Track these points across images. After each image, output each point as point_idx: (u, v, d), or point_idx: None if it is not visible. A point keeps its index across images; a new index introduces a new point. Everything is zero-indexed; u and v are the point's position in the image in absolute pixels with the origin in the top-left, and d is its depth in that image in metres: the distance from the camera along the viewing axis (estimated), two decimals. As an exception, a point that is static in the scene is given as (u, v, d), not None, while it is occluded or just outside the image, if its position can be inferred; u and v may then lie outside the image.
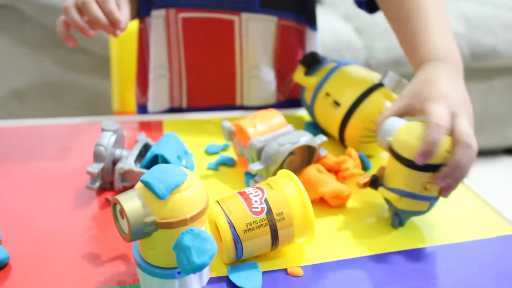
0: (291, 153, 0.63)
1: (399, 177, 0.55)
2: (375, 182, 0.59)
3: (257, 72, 0.88)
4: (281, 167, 0.63)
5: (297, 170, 0.65)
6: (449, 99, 0.54)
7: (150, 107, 0.92)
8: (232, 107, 0.91)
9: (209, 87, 0.89)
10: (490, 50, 1.93)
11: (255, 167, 0.61)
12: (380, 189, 0.57)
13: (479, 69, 1.98)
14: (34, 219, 0.57)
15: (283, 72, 0.91)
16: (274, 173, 0.61)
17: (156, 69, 0.89)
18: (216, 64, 0.87)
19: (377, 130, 0.58)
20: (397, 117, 0.57)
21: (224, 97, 0.90)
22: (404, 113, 0.57)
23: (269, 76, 0.89)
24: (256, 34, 0.85)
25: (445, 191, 0.54)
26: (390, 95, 0.70)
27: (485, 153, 2.18)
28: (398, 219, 0.58)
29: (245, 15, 0.84)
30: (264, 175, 0.62)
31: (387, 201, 0.58)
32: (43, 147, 0.73)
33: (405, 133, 0.54)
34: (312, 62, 0.79)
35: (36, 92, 1.75)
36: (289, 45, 0.90)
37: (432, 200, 0.55)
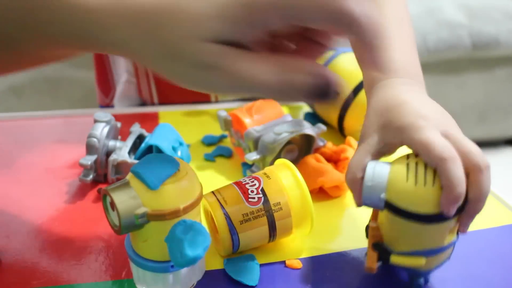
0: (289, 143, 0.62)
1: (418, 237, 0.41)
2: (384, 252, 0.43)
3: None
4: (278, 157, 0.61)
5: (295, 160, 0.63)
6: (431, 119, 0.42)
7: (118, 106, 0.88)
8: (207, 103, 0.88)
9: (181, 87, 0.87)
10: (491, 40, 1.91)
11: (252, 157, 0.59)
12: (394, 258, 0.43)
13: (481, 59, 1.96)
14: (26, 212, 0.55)
15: None
16: (272, 163, 0.60)
17: (122, 74, 0.86)
18: None
19: (353, 187, 0.43)
20: (374, 162, 0.43)
21: (197, 95, 0.87)
22: (378, 154, 0.44)
23: None
24: None
25: (464, 226, 0.42)
26: (391, 82, 0.68)
27: (486, 144, 2.16)
28: (423, 278, 0.46)
29: None
30: (261, 165, 0.60)
31: (401, 268, 0.45)
32: (36, 140, 0.71)
33: (404, 183, 0.40)
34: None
35: (33, 87, 1.73)
36: None
37: (455, 242, 0.44)
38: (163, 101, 0.87)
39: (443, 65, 1.93)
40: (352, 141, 0.65)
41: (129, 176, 0.42)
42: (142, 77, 0.85)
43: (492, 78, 2.02)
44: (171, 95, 0.86)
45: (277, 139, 0.59)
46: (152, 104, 0.87)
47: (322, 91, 0.33)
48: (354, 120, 0.69)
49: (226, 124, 0.65)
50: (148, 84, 0.85)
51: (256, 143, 0.61)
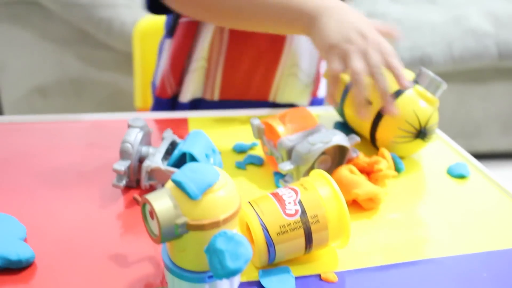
0: (323, 153, 0.61)
1: None
2: None
3: (297, 70, 0.88)
4: (312, 167, 0.61)
5: (329, 170, 0.62)
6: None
7: (182, 97, 0.90)
8: (263, 103, 0.90)
9: (244, 80, 0.89)
10: (518, 50, 1.88)
11: (286, 166, 0.59)
12: None
13: (507, 68, 1.93)
14: (60, 217, 0.56)
15: None
16: (305, 173, 0.59)
17: (198, 60, 0.87)
18: (259, 57, 0.87)
19: None
20: None
21: (257, 93, 0.90)
22: None
23: (308, 76, 0.90)
24: None
25: None
26: (424, 94, 0.67)
27: (510, 156, 2.12)
28: None
29: None
30: (295, 175, 0.60)
31: None
32: (68, 143, 0.71)
33: None
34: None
35: (59, 88, 1.75)
36: None
37: None
38: (224, 97, 0.90)
39: (468, 74, 1.90)
40: (385, 152, 0.64)
41: (170, 185, 0.42)
42: (213, 63, 0.87)
43: (518, 89, 1.99)
44: (232, 89, 0.90)
45: (312, 149, 0.58)
46: (211, 97, 0.90)
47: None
48: (387, 131, 0.68)
49: (259, 132, 0.64)
50: (215, 71, 0.88)
51: (289, 153, 0.61)
